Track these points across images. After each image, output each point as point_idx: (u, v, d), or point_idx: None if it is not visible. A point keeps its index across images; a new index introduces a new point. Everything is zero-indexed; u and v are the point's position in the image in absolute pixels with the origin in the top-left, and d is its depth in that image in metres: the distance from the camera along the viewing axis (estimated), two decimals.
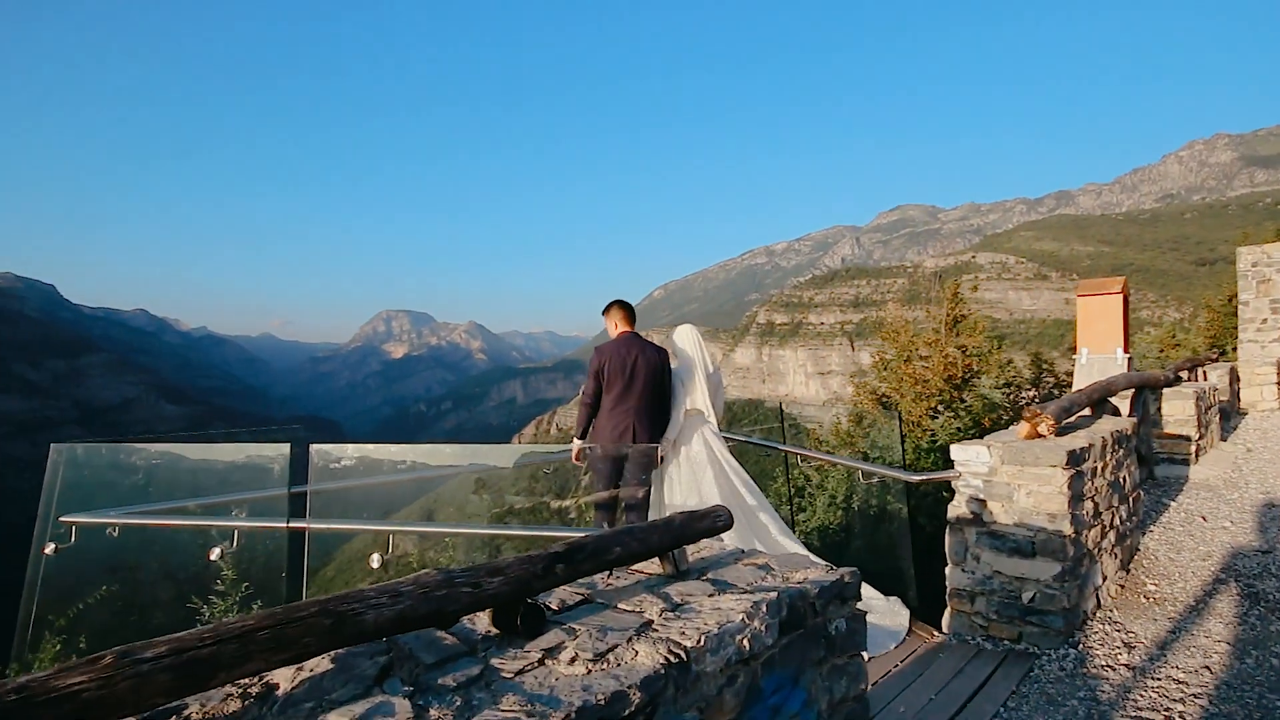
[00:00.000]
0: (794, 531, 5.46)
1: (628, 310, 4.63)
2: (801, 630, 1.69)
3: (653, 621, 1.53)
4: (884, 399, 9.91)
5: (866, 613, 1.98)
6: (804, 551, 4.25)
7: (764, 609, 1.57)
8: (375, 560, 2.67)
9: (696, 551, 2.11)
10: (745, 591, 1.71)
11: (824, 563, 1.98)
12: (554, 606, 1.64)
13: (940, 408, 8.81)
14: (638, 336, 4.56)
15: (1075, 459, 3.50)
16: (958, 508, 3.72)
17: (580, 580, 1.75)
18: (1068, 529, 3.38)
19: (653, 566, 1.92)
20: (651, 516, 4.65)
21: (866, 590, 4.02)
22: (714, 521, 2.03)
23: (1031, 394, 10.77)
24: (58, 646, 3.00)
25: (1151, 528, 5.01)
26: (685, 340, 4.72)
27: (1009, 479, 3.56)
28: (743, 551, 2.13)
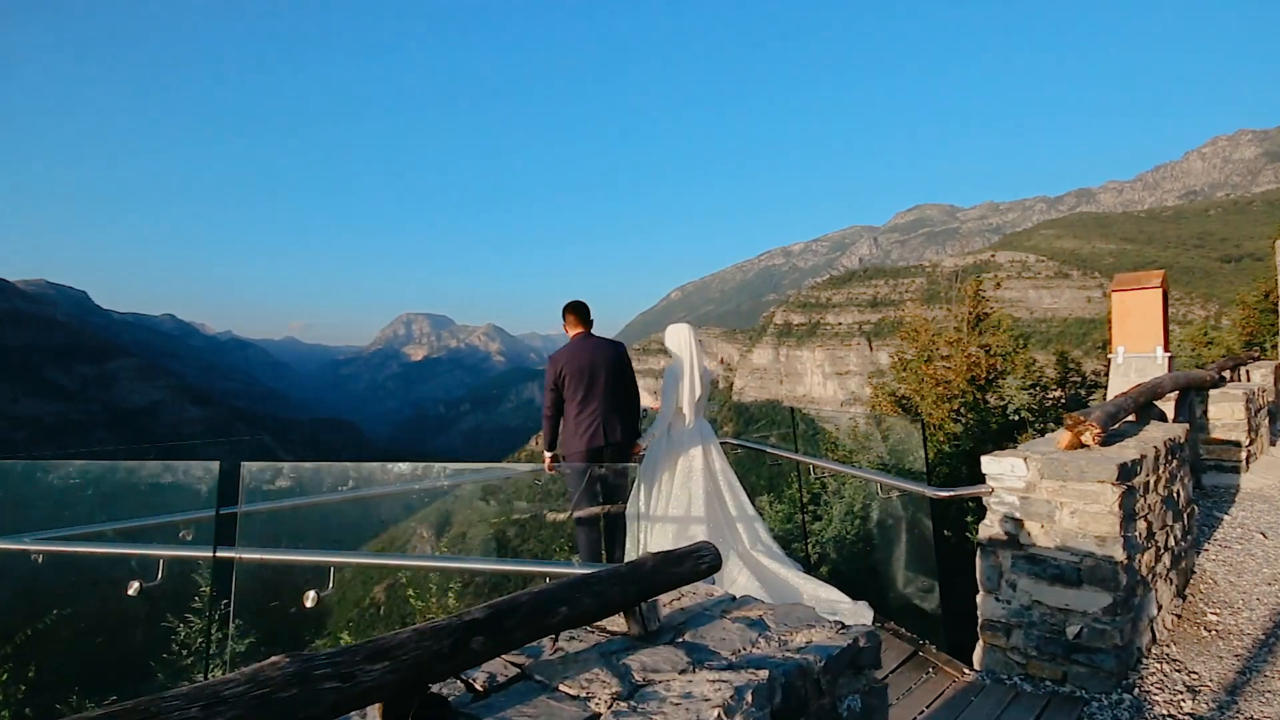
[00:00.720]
0: (807, 541, 5.05)
1: (579, 311, 4.41)
2: (802, 718, 1.29)
3: (599, 717, 1.15)
4: (903, 401, 9.44)
5: (885, 685, 1.58)
6: (802, 582, 3.87)
7: (749, 697, 1.19)
8: (310, 599, 2.31)
9: (675, 600, 1.72)
10: (728, 665, 1.32)
11: (832, 619, 1.58)
12: (478, 687, 1.27)
13: (963, 410, 8.33)
14: (591, 335, 4.38)
15: (1126, 473, 3.06)
16: (990, 528, 3.29)
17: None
18: (1119, 554, 2.94)
19: (617, 622, 1.54)
20: (636, 528, 4.36)
21: (832, 593, 3.73)
22: (696, 564, 1.65)
23: (1058, 394, 10.20)
24: None
25: (1206, 546, 4.52)
26: (677, 341, 4.48)
27: (1049, 496, 3.13)
28: (732, 600, 1.73)
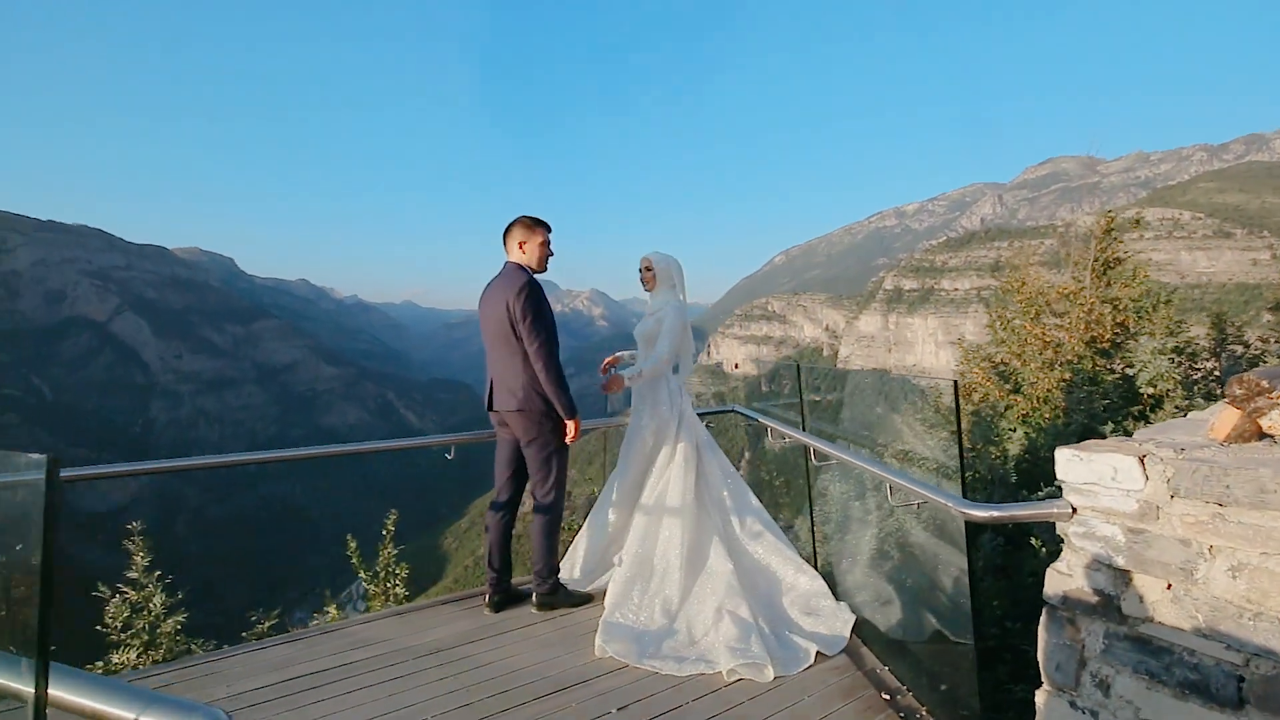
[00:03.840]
0: (814, 536, 3.78)
1: (505, 231, 3.47)
2: None
3: None
4: (1001, 368, 7.55)
5: None
6: (788, 570, 3.40)
7: None
8: None
9: None
10: None
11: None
12: None
13: (1077, 380, 6.41)
14: (504, 266, 3.46)
15: None
16: (1067, 577, 1.84)
17: None
18: None
19: None
20: (612, 504, 3.66)
21: (816, 584, 3.33)
22: None
23: (1211, 365, 7.74)
24: None
25: None
26: (679, 270, 3.77)
27: (1188, 532, 1.64)
28: None
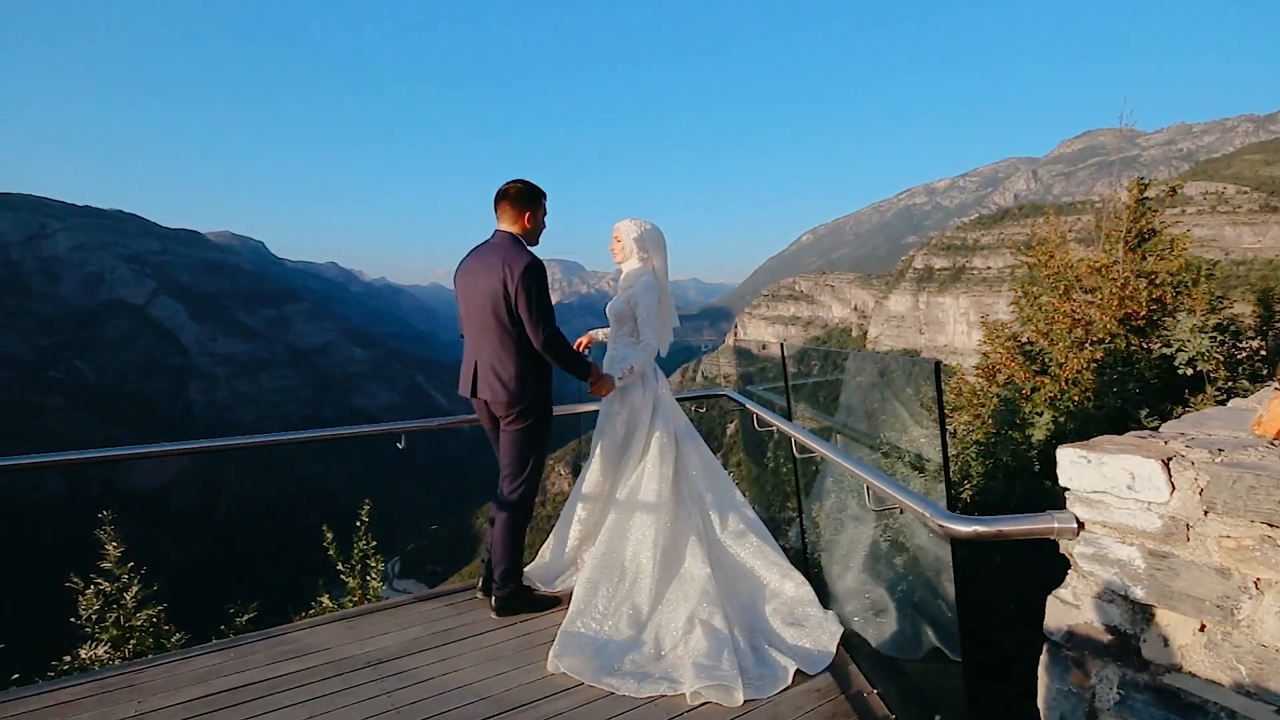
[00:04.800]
0: (804, 530, 3.46)
1: (499, 196, 3.13)
2: None
3: None
4: (1028, 347, 7.05)
5: None
6: (773, 575, 3.06)
7: None
8: None
9: None
10: None
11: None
12: None
13: (1109, 360, 5.92)
14: (495, 236, 3.12)
15: None
16: (1073, 608, 1.50)
17: None
18: None
19: None
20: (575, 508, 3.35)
21: (803, 591, 2.98)
22: None
23: (1256, 344, 7.04)
24: None
25: None
26: (654, 238, 3.40)
27: (1227, 556, 1.28)
28: None
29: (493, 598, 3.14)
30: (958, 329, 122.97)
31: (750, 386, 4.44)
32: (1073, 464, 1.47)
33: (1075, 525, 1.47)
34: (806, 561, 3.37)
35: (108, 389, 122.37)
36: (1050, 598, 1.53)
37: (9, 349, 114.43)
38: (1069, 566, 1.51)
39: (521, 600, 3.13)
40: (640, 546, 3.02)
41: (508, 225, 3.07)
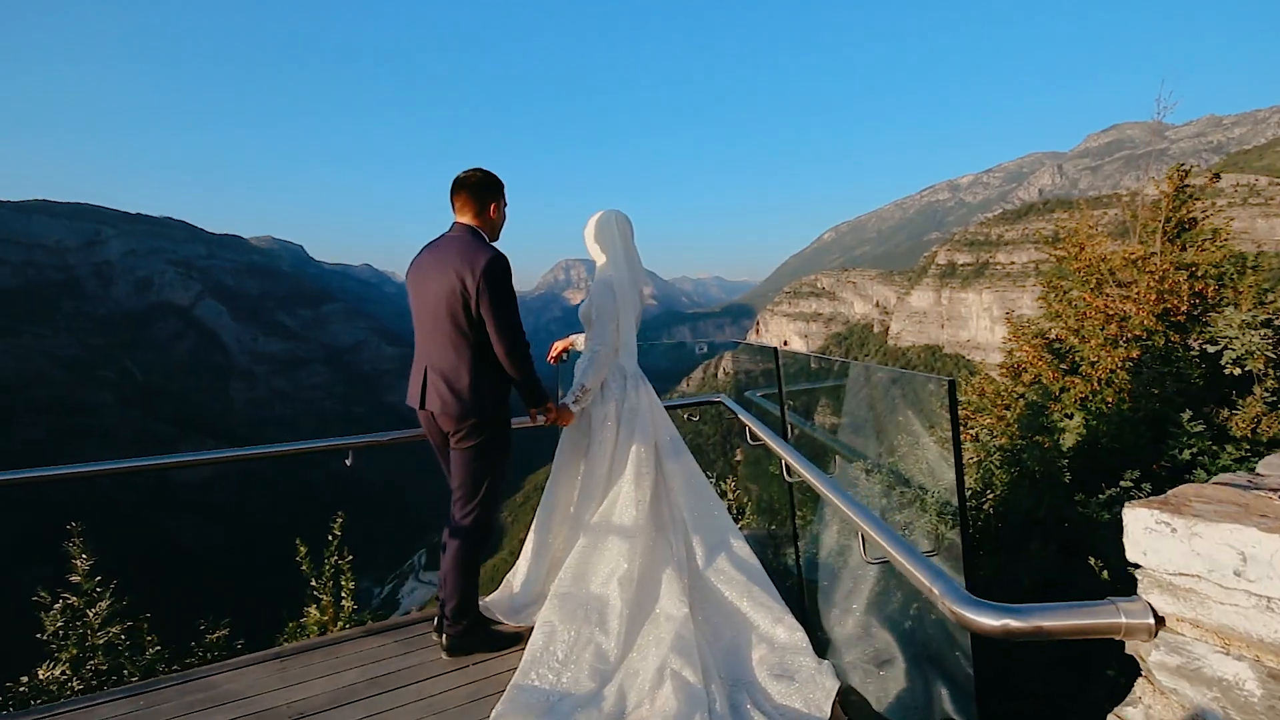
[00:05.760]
0: (799, 558, 3.06)
1: (456, 186, 2.80)
2: None
3: None
4: (1056, 345, 6.55)
5: None
6: (762, 618, 2.61)
7: None
8: None
9: None
10: None
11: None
12: None
13: (1146, 360, 5.41)
14: (453, 229, 2.78)
15: None
16: None
17: None
18: None
19: None
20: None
21: (795, 637, 2.51)
22: None
23: None
24: None
25: None
26: (608, 233, 3.03)
27: None
28: None
29: (443, 636, 2.79)
30: (980, 324, 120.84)
31: (749, 393, 4.05)
32: (1148, 532, 1.05)
33: (1152, 622, 1.06)
34: (803, 597, 2.97)
35: (155, 387, 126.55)
36: (1111, 718, 1.12)
37: (66, 350, 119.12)
38: (1138, 672, 1.11)
39: (477, 638, 2.78)
40: (609, 581, 2.65)
41: (467, 218, 2.75)
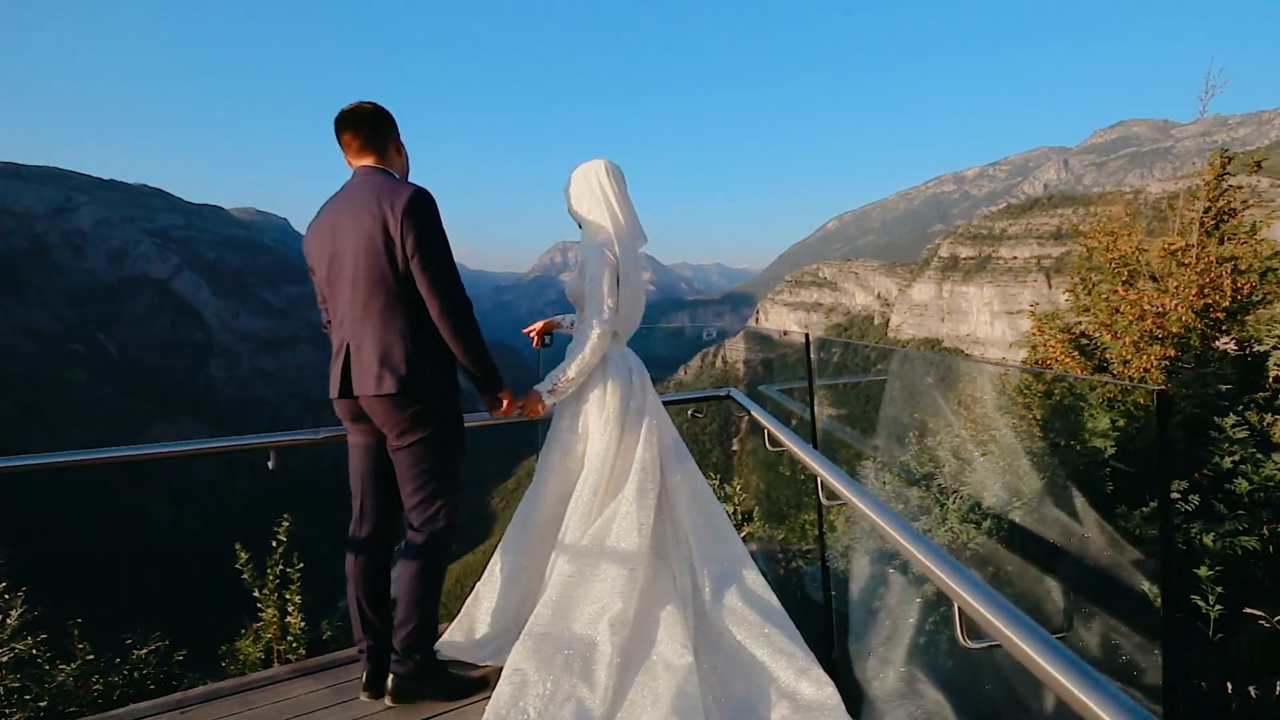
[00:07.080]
0: (830, 590, 2.74)
1: (347, 121, 2.24)
2: None
3: None
4: (1083, 341, 6.30)
5: None
6: (782, 668, 2.11)
7: None
8: None
9: None
10: None
11: None
12: None
13: (1183, 359, 5.17)
14: (357, 175, 2.23)
15: None
16: None
17: None
18: None
19: None
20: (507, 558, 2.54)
21: (824, 693, 2.03)
22: None
23: None
24: None
25: None
26: (597, 189, 2.50)
27: None
28: None
29: (389, 676, 2.24)
30: (980, 318, 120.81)
31: (764, 386, 3.64)
32: None
33: None
34: (832, 639, 2.54)
35: (130, 363, 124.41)
36: None
37: (35, 322, 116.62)
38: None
39: (430, 682, 2.27)
40: (598, 620, 2.18)
41: (369, 160, 2.23)
